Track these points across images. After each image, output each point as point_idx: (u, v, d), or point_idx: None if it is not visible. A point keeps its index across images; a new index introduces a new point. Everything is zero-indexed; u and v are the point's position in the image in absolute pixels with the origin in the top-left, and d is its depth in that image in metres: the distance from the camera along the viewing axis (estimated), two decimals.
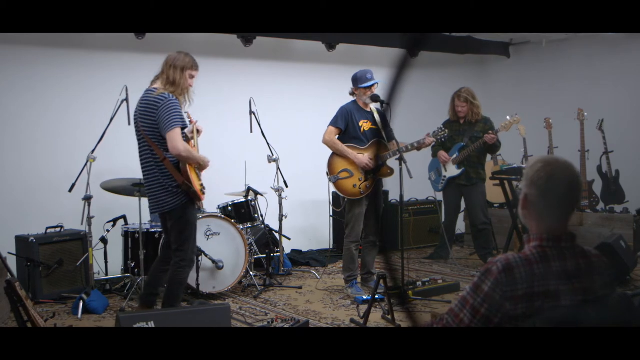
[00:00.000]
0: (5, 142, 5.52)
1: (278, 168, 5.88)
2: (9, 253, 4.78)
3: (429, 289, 4.98)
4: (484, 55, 8.35)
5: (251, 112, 5.80)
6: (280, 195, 5.90)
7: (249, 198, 5.63)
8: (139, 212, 4.87)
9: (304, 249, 6.91)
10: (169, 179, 3.79)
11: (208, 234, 5.10)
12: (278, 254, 5.99)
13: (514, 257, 1.72)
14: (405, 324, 4.19)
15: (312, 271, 6.04)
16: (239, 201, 5.62)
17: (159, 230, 5.07)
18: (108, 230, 5.25)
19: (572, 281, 1.71)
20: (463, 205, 6.28)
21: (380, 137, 5.12)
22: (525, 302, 1.66)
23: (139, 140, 3.89)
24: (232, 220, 5.27)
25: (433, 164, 6.30)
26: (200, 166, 3.94)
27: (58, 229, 5.21)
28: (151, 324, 3.24)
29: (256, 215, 5.67)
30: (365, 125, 5.09)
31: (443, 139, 5.59)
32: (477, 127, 5.94)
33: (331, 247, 6.60)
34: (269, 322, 4.18)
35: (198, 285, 4.83)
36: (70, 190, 4.96)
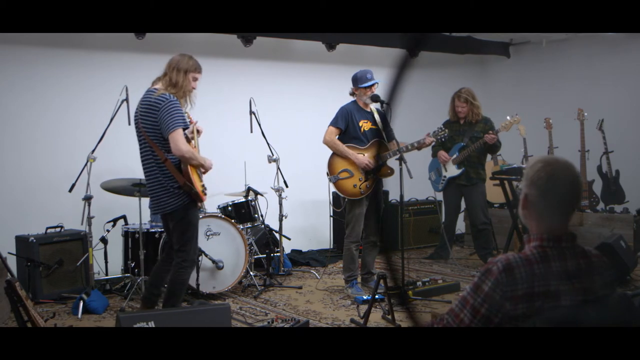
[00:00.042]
0: (5, 142, 5.52)
1: (278, 168, 5.88)
2: (9, 253, 4.78)
3: (429, 289, 4.98)
4: (484, 55, 8.36)
5: (251, 112, 5.80)
6: (280, 195, 5.90)
7: (249, 198, 5.63)
8: (139, 212, 4.87)
9: (304, 249, 6.91)
10: (170, 180, 3.79)
11: (208, 234, 5.10)
12: (278, 254, 6.00)
13: (514, 257, 1.72)
14: (405, 324, 4.19)
15: (312, 271, 6.04)
16: (239, 201, 5.62)
17: (159, 230, 5.07)
18: (108, 230, 5.25)
19: (572, 281, 1.71)
20: (463, 205, 6.28)
21: (381, 137, 5.12)
22: (525, 302, 1.66)
23: (139, 141, 3.88)
24: (232, 220, 5.27)
25: (433, 164, 6.30)
26: (203, 167, 3.93)
27: (58, 229, 5.21)
28: (151, 324, 3.25)
29: (256, 215, 5.67)
30: (365, 125, 5.09)
31: (443, 139, 5.59)
32: (477, 127, 5.94)
33: (331, 247, 6.61)
34: (269, 322, 4.19)
35: (198, 285, 4.83)
36: (70, 190, 4.96)
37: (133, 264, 5.09)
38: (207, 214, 5.17)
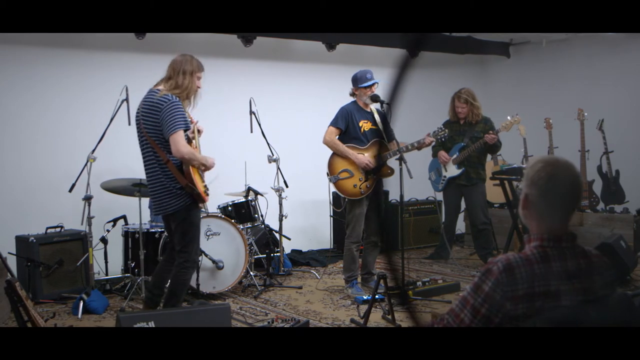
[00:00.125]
0: (5, 142, 5.52)
1: (278, 168, 5.88)
2: (9, 253, 4.78)
3: (429, 289, 4.98)
4: (484, 55, 8.36)
5: (251, 112, 5.80)
6: (280, 195, 5.90)
7: (249, 198, 5.63)
8: (139, 212, 4.87)
9: (304, 249, 6.91)
10: (172, 181, 3.79)
11: (208, 234, 5.10)
12: (278, 254, 5.99)
13: (514, 257, 1.72)
14: (406, 324, 4.19)
15: (312, 271, 6.04)
16: (239, 201, 5.62)
17: (159, 230, 5.07)
18: (108, 230, 5.25)
19: (573, 281, 1.71)
20: (463, 205, 6.28)
21: (381, 137, 5.12)
22: (525, 302, 1.66)
23: (141, 141, 3.88)
24: (232, 220, 5.27)
25: (433, 164, 6.30)
26: (205, 167, 3.94)
27: (58, 229, 5.21)
28: (151, 324, 3.25)
29: (256, 215, 5.67)
30: (365, 125, 5.09)
31: (443, 139, 5.59)
32: (477, 127, 5.94)
33: (331, 247, 6.61)
34: (269, 322, 4.19)
35: (198, 285, 4.82)
36: (70, 190, 4.96)
37: (133, 264, 5.08)
38: (207, 214, 5.17)
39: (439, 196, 6.46)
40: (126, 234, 5.20)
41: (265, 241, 5.78)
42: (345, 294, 5.16)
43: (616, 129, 6.70)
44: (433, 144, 5.42)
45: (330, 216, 6.60)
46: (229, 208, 5.58)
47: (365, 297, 4.83)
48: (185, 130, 3.76)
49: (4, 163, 5.50)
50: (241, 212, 5.58)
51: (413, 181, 4.90)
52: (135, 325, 3.22)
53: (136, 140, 3.94)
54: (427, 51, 7.26)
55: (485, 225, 6.01)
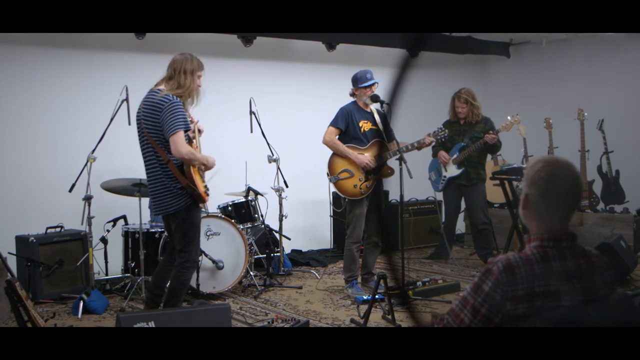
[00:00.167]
0: (5, 142, 5.52)
1: (278, 168, 5.88)
2: (9, 253, 4.78)
3: (429, 289, 4.98)
4: (484, 55, 8.36)
5: (251, 112, 5.80)
6: (280, 195, 5.90)
7: (249, 198, 5.63)
8: (139, 212, 4.87)
9: (304, 249, 6.91)
10: (173, 181, 3.79)
11: (208, 234, 5.10)
12: (278, 254, 5.99)
13: (514, 257, 1.72)
14: (406, 324, 4.19)
15: (312, 271, 6.04)
16: (239, 201, 5.62)
17: (159, 230, 5.07)
18: (108, 230, 5.25)
19: (573, 281, 1.71)
20: (463, 205, 6.28)
21: (381, 138, 5.12)
22: (525, 302, 1.66)
23: (142, 141, 3.88)
24: (232, 220, 5.27)
25: (433, 164, 6.30)
26: (206, 166, 3.94)
27: (58, 229, 5.21)
28: (151, 324, 3.24)
29: (256, 215, 5.67)
30: (365, 125, 5.09)
31: (443, 139, 5.59)
32: (477, 127, 5.94)
33: (331, 247, 6.61)
34: (269, 322, 4.19)
35: (198, 285, 4.83)
36: (70, 190, 4.96)
37: (133, 264, 5.08)
38: (207, 214, 5.17)
39: (439, 196, 6.46)
40: (126, 234, 5.20)
41: (265, 241, 5.78)
42: (345, 294, 5.16)
43: (616, 129, 6.70)
44: (433, 144, 5.42)
45: (330, 216, 6.60)
46: (229, 208, 5.58)
47: (365, 297, 4.83)
48: (185, 131, 3.76)
49: (4, 163, 5.50)
50: (241, 212, 5.58)
51: (413, 181, 4.90)
52: (135, 325, 3.22)
53: (136, 140, 3.93)
54: (427, 51, 7.26)
55: (485, 225, 6.01)
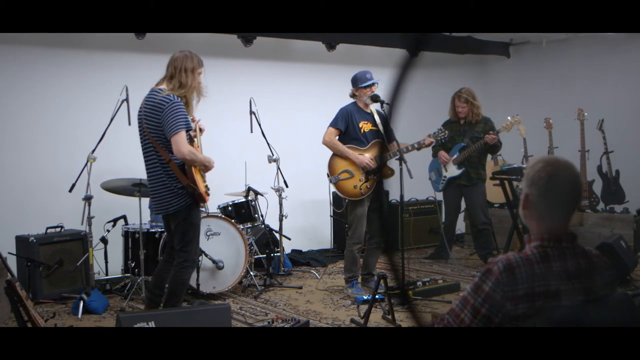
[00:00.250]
0: (5, 142, 5.52)
1: (278, 168, 5.88)
2: (9, 253, 4.78)
3: (429, 289, 4.98)
4: (484, 55, 8.36)
5: (251, 112, 5.80)
6: (280, 195, 5.90)
7: (249, 198, 5.63)
8: (139, 212, 4.87)
9: (304, 249, 6.91)
10: (174, 181, 3.79)
11: (208, 234, 5.10)
12: (278, 254, 6.00)
13: (514, 257, 1.72)
14: (406, 324, 4.20)
15: (312, 271, 6.04)
16: (239, 201, 5.62)
17: (159, 230, 5.07)
18: (108, 230, 5.25)
19: (573, 281, 1.71)
20: (463, 205, 6.28)
21: (381, 138, 5.12)
22: (526, 302, 1.66)
23: (143, 141, 3.88)
24: (232, 220, 5.27)
25: (433, 164, 6.30)
26: (206, 167, 3.94)
27: (58, 229, 5.21)
28: (151, 324, 3.25)
29: (256, 215, 5.67)
30: (365, 126, 5.09)
31: (443, 141, 5.59)
32: (477, 127, 5.95)
33: (331, 247, 6.61)
34: (269, 322, 4.18)
35: (198, 285, 4.83)
36: (70, 190, 4.96)
37: (133, 264, 5.08)
38: (207, 214, 5.18)
39: (439, 196, 6.46)
40: (126, 234, 5.20)
41: (265, 241, 5.78)
42: (346, 294, 5.16)
43: (616, 129, 6.70)
44: (433, 144, 5.43)
45: (331, 216, 6.60)
46: (229, 208, 5.58)
47: (365, 297, 4.83)
48: (187, 130, 3.77)
49: (4, 163, 5.50)
50: (241, 212, 5.58)
51: (413, 181, 4.89)
52: (135, 325, 3.22)
53: (136, 140, 3.93)
54: (427, 51, 7.26)
55: (485, 225, 6.01)
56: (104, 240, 5.22)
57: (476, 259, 6.36)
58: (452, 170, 6.03)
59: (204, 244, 4.95)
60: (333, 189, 5.24)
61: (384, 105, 4.95)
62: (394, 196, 5.83)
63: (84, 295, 4.64)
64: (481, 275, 1.73)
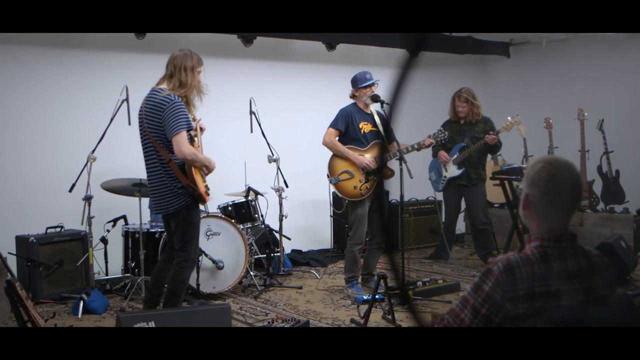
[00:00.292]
0: (5, 142, 5.52)
1: (278, 168, 5.88)
2: (9, 253, 4.78)
3: (429, 289, 4.98)
4: (484, 55, 8.36)
5: (251, 112, 5.80)
6: (280, 195, 5.90)
7: (249, 198, 5.63)
8: (139, 212, 4.87)
9: (304, 249, 6.91)
10: (174, 180, 3.79)
11: (208, 234, 5.10)
12: (278, 254, 6.00)
13: (514, 257, 1.72)
14: (406, 324, 4.20)
15: (312, 271, 6.04)
16: (239, 201, 5.62)
17: (159, 230, 5.07)
18: (108, 230, 5.25)
19: (573, 281, 1.71)
20: (463, 205, 6.28)
21: (381, 139, 5.12)
22: (526, 302, 1.66)
23: (143, 140, 3.88)
24: (233, 220, 5.27)
25: (433, 164, 6.30)
26: (207, 168, 3.94)
27: (58, 229, 5.21)
28: (151, 324, 3.25)
29: (256, 215, 5.67)
30: (365, 127, 5.09)
31: (443, 141, 5.59)
32: (477, 127, 5.95)
33: (331, 247, 6.61)
34: (269, 322, 4.19)
35: (198, 285, 4.83)
36: (70, 190, 4.96)
37: (133, 264, 5.08)
38: (207, 214, 5.18)
39: (439, 196, 6.46)
40: (126, 234, 5.20)
41: (266, 241, 5.78)
42: (346, 294, 5.16)
43: (616, 129, 6.70)
44: (433, 145, 5.43)
45: (331, 216, 6.60)
46: (229, 208, 5.58)
47: (365, 297, 4.83)
48: (188, 130, 3.77)
49: (4, 163, 5.50)
50: (241, 212, 5.58)
51: (413, 181, 4.89)
52: (135, 325, 3.22)
53: (136, 140, 3.93)
54: (427, 51, 7.26)
55: (485, 225, 6.01)
56: (104, 240, 5.22)
57: (476, 259, 6.36)
58: (452, 170, 6.03)
59: (204, 244, 4.95)
60: (333, 189, 5.24)
61: (384, 105, 4.95)
62: (394, 196, 5.83)
63: (84, 295, 4.64)
64: (481, 275, 1.73)
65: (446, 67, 7.90)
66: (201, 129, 4.04)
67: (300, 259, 6.49)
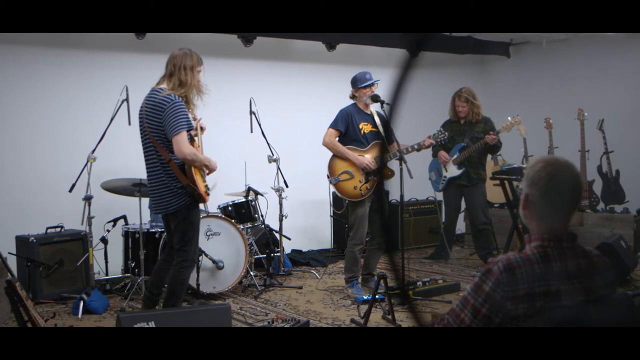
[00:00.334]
0: (5, 142, 5.52)
1: (278, 168, 5.88)
2: (9, 253, 4.78)
3: (429, 289, 4.98)
4: (484, 55, 8.36)
5: (251, 112, 5.80)
6: (280, 195, 5.90)
7: (249, 198, 5.63)
8: (139, 212, 4.87)
9: (304, 249, 6.91)
10: (173, 180, 3.79)
11: (208, 234, 5.10)
12: (278, 254, 6.00)
13: (514, 257, 1.72)
14: (406, 324, 4.20)
15: (312, 271, 6.04)
16: (239, 201, 5.62)
17: (159, 230, 5.07)
18: (108, 230, 5.25)
19: (573, 281, 1.71)
20: (463, 205, 6.28)
21: (381, 140, 5.11)
22: (526, 302, 1.66)
23: (143, 140, 3.88)
24: (233, 220, 5.27)
25: (433, 164, 6.30)
26: (208, 168, 3.94)
27: (58, 229, 5.21)
28: (151, 324, 3.25)
29: (256, 215, 5.67)
30: (365, 127, 5.09)
31: (443, 142, 5.60)
32: (477, 127, 5.95)
33: (331, 247, 6.61)
34: (269, 322, 4.19)
35: (198, 285, 4.82)
36: (70, 190, 4.96)
37: (133, 264, 5.09)
38: (207, 214, 5.18)
39: (439, 196, 6.46)
40: (126, 234, 5.20)
41: (266, 241, 5.78)
42: (346, 294, 5.16)
43: (616, 129, 6.70)
44: (433, 145, 5.43)
45: (331, 216, 6.60)
46: (229, 208, 5.58)
47: (365, 297, 4.83)
48: (188, 130, 3.77)
49: (4, 163, 5.50)
50: (241, 212, 5.58)
51: (413, 181, 4.89)
52: (135, 325, 3.22)
53: (136, 140, 3.93)
54: (427, 51, 7.26)
55: (485, 225, 6.01)
56: (104, 240, 5.22)
57: (476, 259, 6.36)
58: (452, 170, 6.03)
59: (204, 244, 4.95)
60: (333, 189, 5.24)
61: (384, 105, 4.95)
62: (394, 196, 5.83)
63: (84, 295, 4.64)
64: (481, 275, 1.73)
65: (446, 67, 7.90)
66: (201, 129, 4.04)
67: (300, 259, 6.49)
